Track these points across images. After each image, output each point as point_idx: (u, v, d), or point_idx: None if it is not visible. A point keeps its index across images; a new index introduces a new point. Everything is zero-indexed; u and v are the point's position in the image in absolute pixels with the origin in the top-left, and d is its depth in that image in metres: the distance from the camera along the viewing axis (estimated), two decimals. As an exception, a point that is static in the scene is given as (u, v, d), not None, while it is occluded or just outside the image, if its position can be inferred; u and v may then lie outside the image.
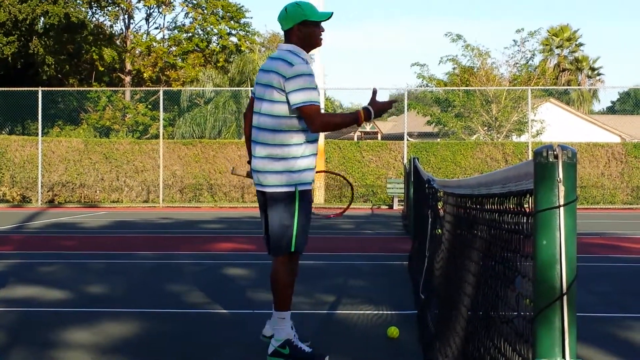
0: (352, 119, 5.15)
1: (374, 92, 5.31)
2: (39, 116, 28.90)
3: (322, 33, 5.29)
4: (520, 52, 35.05)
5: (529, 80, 34.75)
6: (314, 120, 5.03)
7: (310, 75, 5.09)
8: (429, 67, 58.30)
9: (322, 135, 28.68)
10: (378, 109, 5.21)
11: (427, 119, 35.82)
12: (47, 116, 32.77)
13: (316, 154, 5.25)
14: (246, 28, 45.26)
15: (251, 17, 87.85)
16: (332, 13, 5.26)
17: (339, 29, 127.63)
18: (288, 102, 5.05)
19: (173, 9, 44.78)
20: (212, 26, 44.14)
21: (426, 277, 6.37)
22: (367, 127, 51.39)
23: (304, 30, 5.20)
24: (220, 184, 29.45)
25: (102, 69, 42.32)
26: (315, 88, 5.09)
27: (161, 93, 30.29)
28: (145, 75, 42.79)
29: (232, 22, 44.22)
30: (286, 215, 5.12)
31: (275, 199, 5.13)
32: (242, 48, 43.99)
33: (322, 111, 5.38)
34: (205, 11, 43.63)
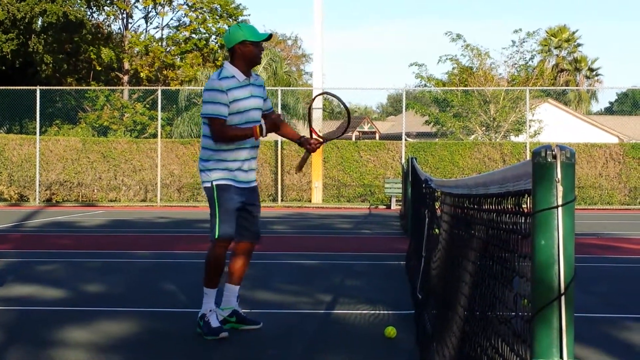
0: (246, 133, 5.91)
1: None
2: (37, 115, 28.88)
3: (261, 52, 6.03)
4: (518, 53, 35.08)
5: (527, 80, 34.77)
6: (213, 132, 5.90)
7: (215, 90, 5.85)
8: (427, 67, 58.39)
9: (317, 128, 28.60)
10: (270, 125, 6.02)
11: (425, 119, 35.82)
12: (45, 115, 32.75)
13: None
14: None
15: (249, 15, 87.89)
16: (271, 35, 6.15)
17: (337, 29, 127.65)
18: None
19: (172, 9, 44.72)
20: (210, 24, 44.10)
21: (423, 277, 6.37)
22: (365, 127, 51.46)
23: (243, 49, 5.92)
24: (218, 183, 29.44)
25: (100, 68, 42.29)
26: (217, 103, 5.84)
27: (159, 92, 30.28)
28: (142, 74, 42.75)
29: (230, 20, 44.17)
30: None
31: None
32: None
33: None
34: (203, 8, 43.58)
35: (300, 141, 6.17)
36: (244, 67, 5.97)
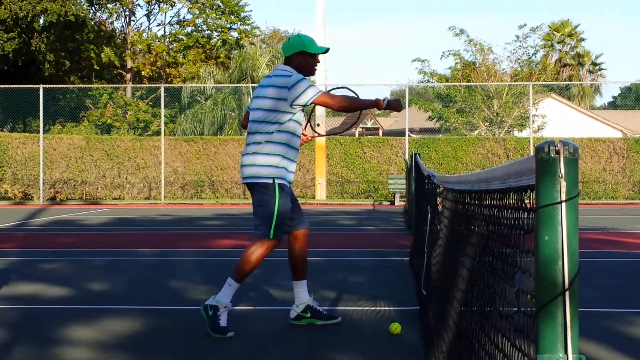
0: (364, 102, 6.03)
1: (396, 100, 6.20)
2: (40, 113, 28.91)
3: (316, 64, 6.23)
4: (522, 48, 35.02)
5: (531, 75, 34.72)
6: (331, 102, 5.98)
7: (305, 79, 5.98)
8: (430, 63, 58.26)
9: (322, 129, 28.66)
10: (393, 103, 6.09)
11: (428, 115, 35.80)
12: (48, 113, 32.78)
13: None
14: (246, 22, 45.17)
15: (251, 11, 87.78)
16: (329, 48, 6.25)
17: (340, 25, 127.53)
18: (291, 107, 5.93)
19: (173, 6, 44.68)
20: (212, 20, 44.07)
21: (427, 273, 6.37)
22: (369, 123, 51.42)
23: (300, 59, 6.10)
24: (221, 180, 29.48)
25: (98, 67, 42.28)
26: (314, 85, 5.99)
27: (162, 90, 30.29)
28: (143, 73, 42.76)
29: (232, 16, 44.13)
30: None
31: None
32: (242, 42, 43.89)
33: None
34: (205, 4, 43.54)
35: None
36: (301, 74, 6.10)
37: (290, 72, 6.01)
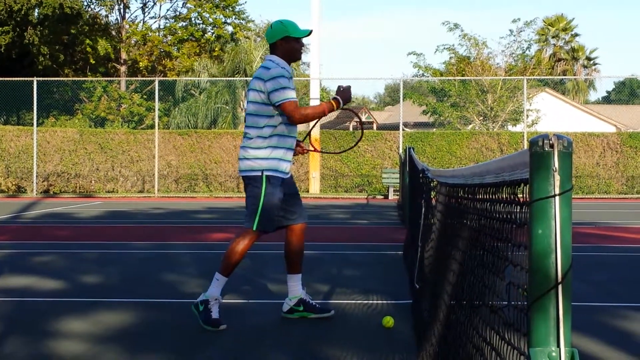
0: (323, 109, 6.06)
1: (339, 87, 6.21)
2: (34, 106, 28.85)
3: (302, 47, 6.18)
4: (516, 42, 35.03)
5: (525, 70, 34.73)
6: (293, 114, 5.89)
7: (284, 77, 5.90)
8: (425, 57, 58.25)
9: (317, 125, 28.68)
10: (344, 98, 6.14)
11: (422, 109, 35.81)
12: (42, 106, 32.72)
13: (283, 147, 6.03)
14: (241, 15, 45.05)
15: (245, 2, 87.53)
16: (311, 31, 6.16)
17: (334, 19, 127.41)
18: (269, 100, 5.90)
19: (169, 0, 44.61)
20: (207, 14, 43.96)
21: (420, 267, 6.38)
22: (363, 117, 51.34)
23: (285, 45, 6.06)
24: (215, 174, 29.46)
25: (94, 61, 42.19)
26: (290, 88, 5.93)
27: (157, 83, 30.23)
28: (140, 64, 42.66)
29: (226, 10, 44.01)
30: None
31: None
32: (237, 36, 43.78)
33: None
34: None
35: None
36: (286, 61, 6.09)
37: (273, 64, 5.98)
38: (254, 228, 5.93)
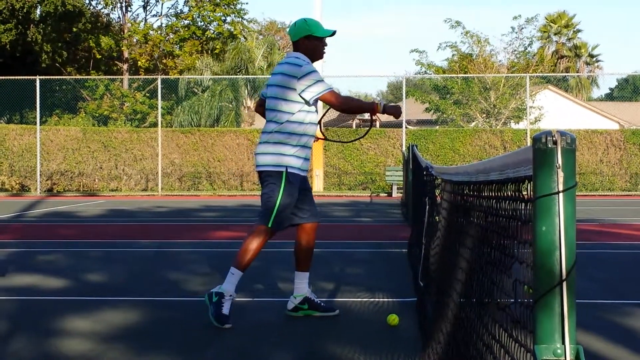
0: (363, 104, 6.19)
1: (396, 105, 6.29)
2: (37, 105, 28.87)
3: (324, 47, 6.18)
4: (518, 39, 35.01)
5: (527, 67, 34.70)
6: (337, 101, 5.99)
7: (317, 72, 5.98)
8: (428, 54, 58.19)
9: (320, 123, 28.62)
10: (391, 110, 6.08)
11: (425, 106, 35.78)
12: (45, 105, 32.74)
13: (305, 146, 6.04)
14: (241, 14, 44.93)
15: (247, 3, 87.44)
16: (335, 31, 6.16)
17: (337, 17, 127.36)
18: (302, 97, 5.92)
19: None
20: (208, 12, 43.86)
21: (424, 265, 6.38)
22: (366, 114, 51.31)
23: (308, 44, 6.07)
24: (219, 172, 29.46)
25: (99, 56, 42.19)
26: (322, 80, 5.98)
27: (159, 81, 30.24)
28: (140, 63, 42.62)
29: (227, 8, 43.91)
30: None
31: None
32: (235, 33, 43.62)
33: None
34: None
35: None
36: (310, 59, 6.09)
37: (302, 61, 5.97)
38: (269, 225, 5.91)
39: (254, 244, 5.89)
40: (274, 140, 5.89)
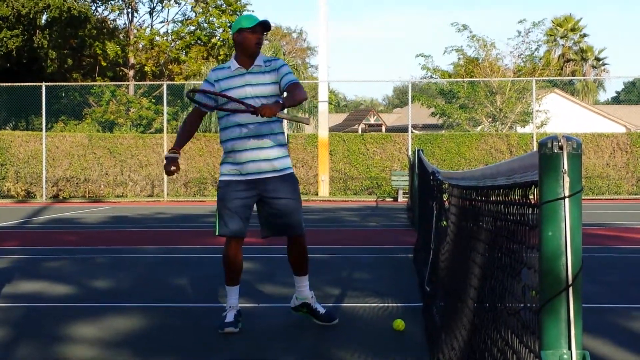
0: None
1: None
2: (42, 111, 28.93)
3: (256, 39, 5.83)
4: (524, 43, 34.98)
5: (534, 71, 34.68)
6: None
7: (204, 81, 5.98)
8: (434, 59, 58.23)
9: (326, 128, 28.71)
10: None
11: (431, 111, 35.78)
12: (50, 111, 32.81)
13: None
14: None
15: (252, 11, 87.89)
16: (265, 21, 5.84)
17: (342, 21, 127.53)
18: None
19: (177, 4, 44.61)
20: (214, 18, 43.95)
21: (431, 270, 6.36)
22: (372, 119, 51.43)
23: (237, 37, 5.89)
24: (224, 177, 29.43)
25: (105, 63, 42.27)
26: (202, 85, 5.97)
27: (165, 87, 30.28)
28: (147, 68, 42.70)
29: (233, 15, 44.00)
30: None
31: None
32: None
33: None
34: (208, 3, 43.44)
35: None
36: (242, 56, 5.91)
37: (225, 64, 6.02)
38: (215, 232, 6.05)
39: (222, 256, 6.10)
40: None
